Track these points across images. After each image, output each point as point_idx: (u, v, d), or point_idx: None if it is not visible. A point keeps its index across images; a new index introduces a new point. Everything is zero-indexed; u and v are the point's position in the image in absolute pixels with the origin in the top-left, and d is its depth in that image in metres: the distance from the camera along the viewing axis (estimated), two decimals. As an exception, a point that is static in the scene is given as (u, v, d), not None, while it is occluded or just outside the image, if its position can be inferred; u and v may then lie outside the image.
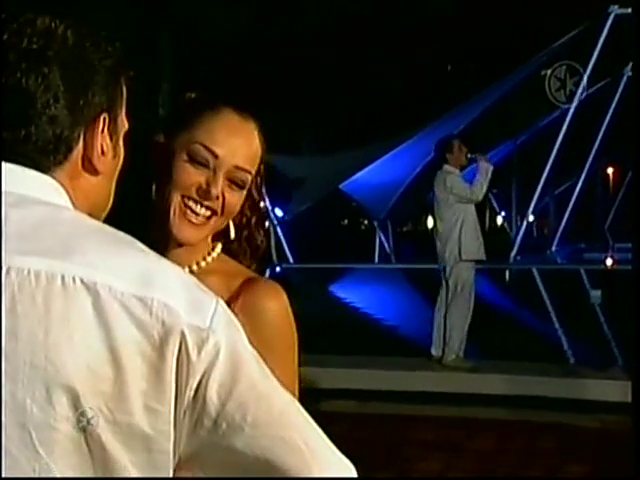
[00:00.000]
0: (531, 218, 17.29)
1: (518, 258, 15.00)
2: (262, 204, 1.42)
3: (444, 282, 6.26)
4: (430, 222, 6.86)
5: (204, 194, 1.29)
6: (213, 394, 0.86)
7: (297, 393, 1.22)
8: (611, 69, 14.76)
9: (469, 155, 6.35)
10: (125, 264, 0.86)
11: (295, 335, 1.29)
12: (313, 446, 0.91)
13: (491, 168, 6.37)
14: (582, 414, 5.28)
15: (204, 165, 1.30)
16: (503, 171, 17.57)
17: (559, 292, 12.15)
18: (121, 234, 0.91)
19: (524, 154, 17.87)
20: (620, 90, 15.75)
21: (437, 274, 6.46)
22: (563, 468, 4.38)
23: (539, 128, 16.28)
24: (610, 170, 28.81)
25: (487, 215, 28.06)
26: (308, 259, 14.43)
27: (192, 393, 0.85)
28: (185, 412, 0.85)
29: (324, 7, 15.02)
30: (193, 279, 0.91)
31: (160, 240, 1.29)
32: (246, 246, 1.39)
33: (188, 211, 1.28)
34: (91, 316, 0.83)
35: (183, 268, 1.27)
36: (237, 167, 1.31)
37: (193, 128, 1.31)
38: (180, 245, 1.31)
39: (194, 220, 1.29)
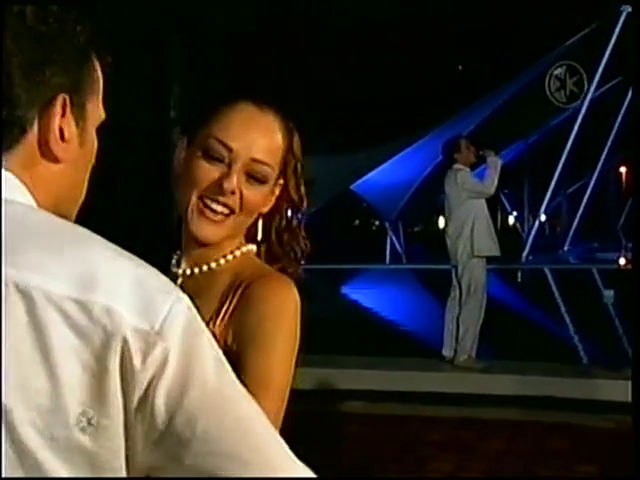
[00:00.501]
0: (543, 218, 17.23)
1: (530, 258, 14.97)
2: (304, 205, 1.35)
3: (456, 282, 6.24)
4: (441, 222, 6.85)
5: (219, 190, 1.24)
6: (161, 405, 0.79)
7: (287, 389, 1.19)
8: (623, 68, 14.69)
9: (480, 152, 6.35)
10: (66, 265, 0.78)
11: (295, 330, 1.22)
12: (270, 459, 0.84)
13: (500, 162, 6.37)
14: (594, 414, 5.26)
15: (219, 160, 1.25)
16: (514, 171, 17.51)
17: (571, 292, 12.11)
18: (78, 230, 0.84)
19: (535, 154, 17.80)
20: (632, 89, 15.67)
21: (448, 274, 6.45)
22: (574, 468, 4.37)
23: (550, 127, 16.22)
24: (623, 169, 28.66)
25: (499, 215, 27.94)
26: (319, 260, 14.40)
27: (138, 404, 0.78)
28: (135, 425, 0.79)
29: (335, 9, 15.02)
30: (160, 278, 0.83)
31: (187, 240, 1.28)
32: (289, 250, 1.33)
33: (206, 209, 1.25)
34: (24, 324, 0.76)
35: (202, 266, 1.28)
36: (254, 160, 1.26)
37: (210, 124, 1.27)
38: (204, 244, 1.27)
39: (212, 217, 1.25)
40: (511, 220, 27.29)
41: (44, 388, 0.76)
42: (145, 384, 0.78)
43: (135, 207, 16.08)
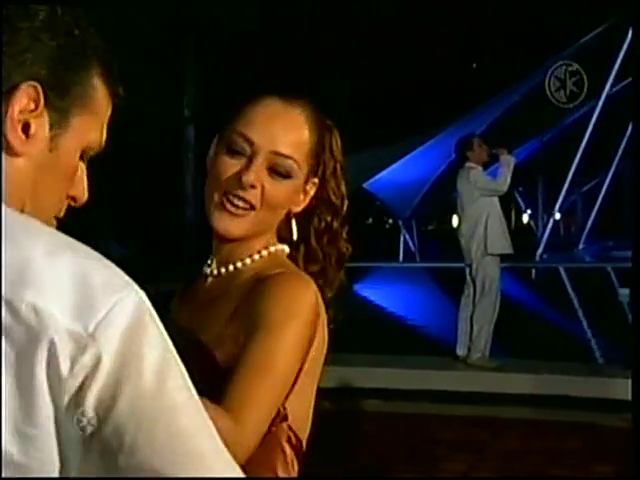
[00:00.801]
0: (557, 216, 17.14)
1: (545, 256, 14.90)
2: (344, 206, 1.30)
3: (469, 280, 6.22)
4: (455, 220, 6.83)
5: (239, 184, 1.20)
6: (90, 412, 0.72)
7: (288, 383, 1.14)
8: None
9: (493, 151, 6.32)
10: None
11: (308, 328, 1.16)
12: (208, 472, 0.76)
13: (513, 160, 6.35)
14: (609, 413, 5.23)
15: (241, 154, 1.21)
16: (529, 169, 17.43)
17: (586, 290, 12.04)
18: (21, 223, 0.76)
19: (550, 152, 17.71)
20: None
21: (462, 273, 6.43)
22: (590, 468, 4.35)
23: (565, 125, 16.13)
24: None
25: (513, 214, 27.85)
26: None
27: (67, 411, 0.72)
28: (66, 431, 0.72)
29: (347, 8, 15.01)
30: (108, 273, 0.76)
31: (215, 239, 1.26)
32: (329, 253, 1.29)
33: (227, 204, 1.21)
34: None
35: (228, 265, 1.26)
36: (276, 153, 1.21)
37: (235, 120, 1.24)
38: (228, 241, 1.23)
39: (233, 211, 1.21)
40: (525, 218, 27.19)
41: None
42: (74, 390, 0.71)
43: (149, 204, 16.14)
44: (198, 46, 14.73)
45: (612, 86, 13.40)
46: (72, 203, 0.89)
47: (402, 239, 16.61)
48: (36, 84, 0.79)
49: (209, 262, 1.29)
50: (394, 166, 14.89)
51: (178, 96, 14.96)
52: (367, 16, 15.36)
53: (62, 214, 0.89)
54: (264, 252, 1.25)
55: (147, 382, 0.73)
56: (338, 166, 1.29)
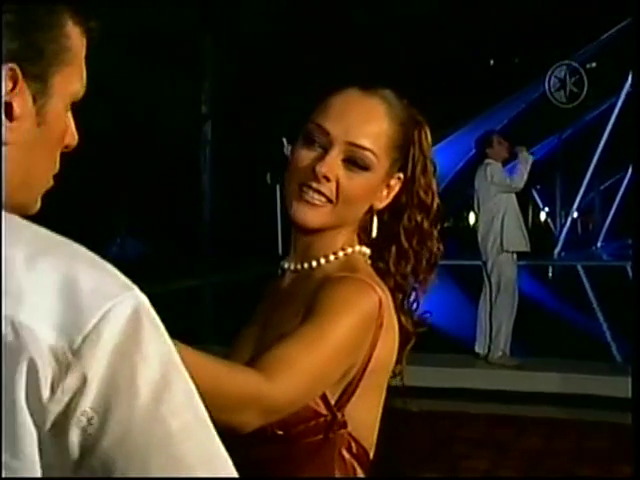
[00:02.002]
0: (575, 214, 17.04)
1: (562, 254, 14.83)
2: (435, 205, 1.25)
3: (486, 278, 6.20)
4: (472, 218, 6.79)
5: (313, 175, 1.16)
6: (74, 440, 0.63)
7: (334, 366, 1.09)
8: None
9: (514, 149, 6.29)
10: None
11: (362, 329, 1.11)
12: None
13: (531, 159, 6.32)
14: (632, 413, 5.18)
15: (318, 145, 1.17)
16: (547, 167, 17.33)
17: (604, 288, 11.97)
18: (5, 223, 0.67)
19: (569, 149, 17.61)
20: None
21: (480, 270, 6.40)
22: (614, 468, 4.31)
23: (584, 123, 16.03)
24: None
25: (530, 212, 27.72)
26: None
27: (50, 440, 0.63)
28: (53, 462, 0.64)
29: (362, 7, 14.98)
30: (101, 276, 0.66)
31: (293, 233, 1.23)
32: (421, 253, 1.24)
33: (304, 194, 1.17)
34: None
35: (304, 263, 1.21)
36: (352, 144, 1.16)
37: (314, 112, 1.20)
38: (306, 232, 1.19)
39: (310, 201, 1.16)
40: (543, 216, 27.06)
41: None
42: (56, 417, 0.62)
43: (166, 201, 16.16)
44: (215, 43, 14.74)
45: (632, 84, 13.29)
46: (64, 150, 0.81)
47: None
48: (12, 65, 0.70)
49: (288, 256, 1.26)
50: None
51: (195, 93, 14.98)
52: (382, 17, 15.32)
53: (57, 170, 0.80)
54: (340, 253, 1.20)
55: (140, 407, 0.64)
56: (428, 163, 1.24)
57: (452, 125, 14.46)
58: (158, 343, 0.66)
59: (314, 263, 1.21)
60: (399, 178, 1.23)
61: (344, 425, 1.14)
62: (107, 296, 0.64)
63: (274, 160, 10.16)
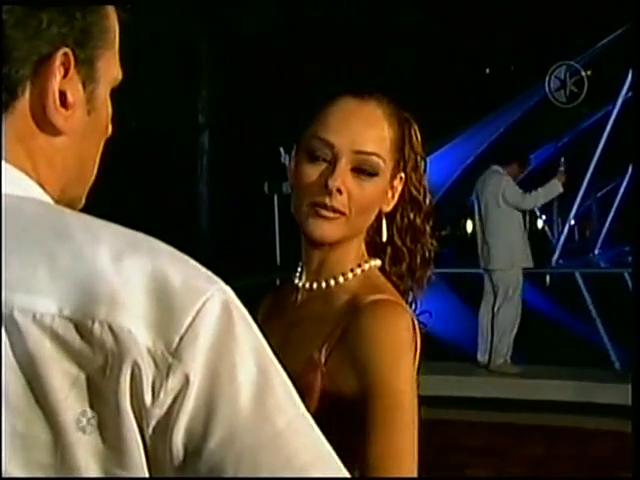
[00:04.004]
0: (572, 222, 17.05)
1: (560, 262, 14.83)
2: (427, 201, 1.26)
3: (491, 287, 6.17)
4: (469, 226, 6.77)
5: (325, 191, 1.14)
6: (179, 442, 0.61)
7: (416, 413, 1.10)
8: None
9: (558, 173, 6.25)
10: (59, 273, 0.60)
11: (401, 358, 1.11)
12: None
13: (560, 191, 6.25)
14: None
15: (323, 160, 1.16)
16: (544, 174, 17.34)
17: (603, 296, 11.97)
18: (78, 222, 0.65)
19: (565, 157, 17.66)
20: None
21: (477, 278, 6.38)
22: (615, 475, 4.30)
23: (581, 130, 16.06)
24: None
25: (527, 219, 27.73)
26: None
27: (153, 446, 0.61)
28: (159, 468, 0.62)
29: (360, 13, 15.01)
30: (187, 274, 0.63)
31: (306, 249, 1.21)
32: (415, 250, 1.24)
33: (319, 212, 1.16)
34: (9, 358, 0.58)
35: (322, 282, 1.20)
36: (359, 152, 1.16)
37: (311, 125, 1.19)
38: (320, 245, 1.18)
39: (326, 215, 1.15)
40: (540, 224, 27.07)
41: (43, 440, 0.58)
42: (159, 421, 0.60)
43: (163, 210, 16.16)
44: (212, 52, 14.77)
45: (628, 90, 13.33)
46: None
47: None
48: (66, 49, 0.68)
49: (299, 271, 1.24)
50: (408, 172, 14.86)
51: (192, 102, 15.00)
52: (378, 23, 15.37)
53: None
54: (358, 271, 1.20)
55: (244, 405, 0.61)
56: (419, 159, 1.25)
57: (449, 133, 14.48)
58: (251, 336, 0.64)
59: (332, 281, 1.19)
60: (401, 178, 1.23)
61: None
62: (198, 292, 0.62)
63: (272, 170, 10.15)
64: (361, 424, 1.06)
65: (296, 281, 1.24)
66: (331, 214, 1.16)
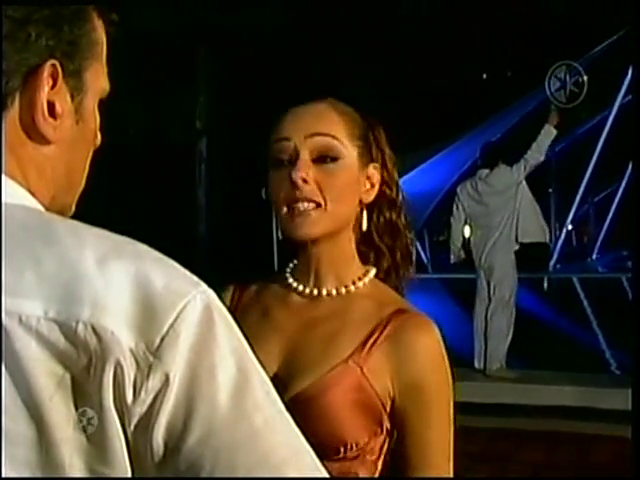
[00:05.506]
0: (570, 227, 17.07)
1: (558, 267, 14.84)
2: (400, 197, 1.28)
3: (486, 292, 6.17)
4: (467, 231, 6.85)
5: (293, 186, 1.18)
6: (159, 439, 0.62)
7: (450, 439, 1.19)
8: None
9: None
10: (44, 276, 0.62)
11: (448, 373, 1.20)
12: None
13: (554, 133, 6.26)
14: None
15: (286, 160, 1.20)
16: (540, 179, 17.36)
17: (601, 300, 11.98)
18: (63, 227, 0.66)
19: (562, 162, 17.68)
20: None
21: (475, 284, 6.38)
22: (615, 480, 4.29)
23: (578, 135, 16.09)
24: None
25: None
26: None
27: (134, 443, 0.63)
28: (140, 465, 0.63)
29: (360, 17, 15.05)
30: (170, 275, 0.66)
31: (301, 255, 1.23)
32: (394, 248, 1.27)
33: (295, 210, 1.19)
34: None
35: (327, 287, 1.21)
36: (313, 134, 1.19)
37: (270, 136, 1.24)
38: (309, 246, 1.20)
39: (301, 210, 1.18)
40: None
41: (27, 437, 0.60)
42: (140, 419, 0.62)
43: (160, 217, 16.15)
44: (210, 57, 14.78)
45: (625, 95, 13.37)
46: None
47: (414, 250, 16.57)
48: (54, 61, 0.70)
49: (295, 277, 1.25)
50: (406, 177, 14.85)
51: (190, 108, 15.00)
52: (375, 31, 15.40)
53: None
54: (366, 280, 1.23)
55: (222, 403, 0.63)
56: (387, 157, 1.27)
57: (446, 140, 14.51)
58: (231, 337, 0.66)
59: (342, 290, 1.21)
60: (375, 167, 1.25)
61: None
62: (179, 294, 0.64)
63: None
64: (397, 423, 1.16)
65: (294, 285, 1.24)
66: (305, 205, 1.17)
